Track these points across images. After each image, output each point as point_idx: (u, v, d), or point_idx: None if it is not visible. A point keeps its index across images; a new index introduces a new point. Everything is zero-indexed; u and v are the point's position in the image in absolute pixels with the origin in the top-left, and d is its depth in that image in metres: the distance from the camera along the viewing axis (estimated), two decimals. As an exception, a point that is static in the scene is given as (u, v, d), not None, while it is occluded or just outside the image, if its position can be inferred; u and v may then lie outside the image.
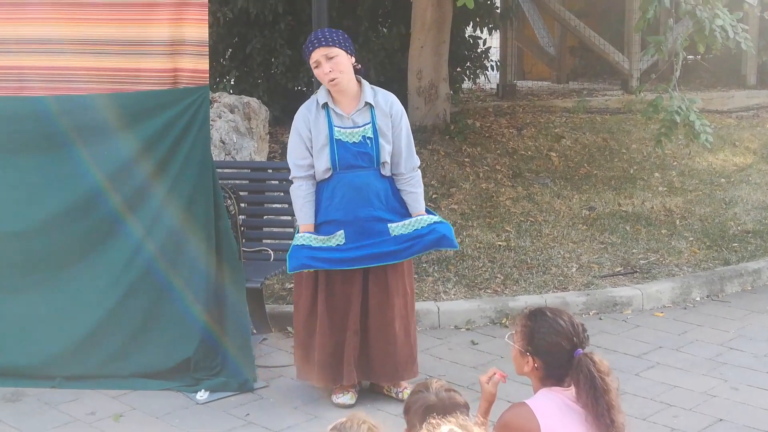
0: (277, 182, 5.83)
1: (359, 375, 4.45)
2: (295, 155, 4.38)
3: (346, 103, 4.35)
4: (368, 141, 4.32)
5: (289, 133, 8.96)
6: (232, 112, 7.18)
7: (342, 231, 4.30)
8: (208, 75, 4.56)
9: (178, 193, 4.59)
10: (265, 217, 5.79)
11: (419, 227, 4.38)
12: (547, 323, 2.96)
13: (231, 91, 8.69)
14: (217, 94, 7.44)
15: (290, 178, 4.45)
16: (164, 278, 4.64)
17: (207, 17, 4.50)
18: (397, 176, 4.43)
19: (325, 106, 4.33)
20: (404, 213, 4.43)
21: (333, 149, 4.29)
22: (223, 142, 6.84)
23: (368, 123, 4.33)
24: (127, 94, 4.56)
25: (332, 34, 4.29)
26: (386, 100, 4.40)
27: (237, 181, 5.74)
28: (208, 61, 4.55)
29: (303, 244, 4.31)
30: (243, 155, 6.93)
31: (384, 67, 8.99)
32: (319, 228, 4.35)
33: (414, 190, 4.45)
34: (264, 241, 5.61)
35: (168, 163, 4.57)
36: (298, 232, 4.39)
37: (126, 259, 4.67)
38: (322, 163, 4.31)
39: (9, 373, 4.73)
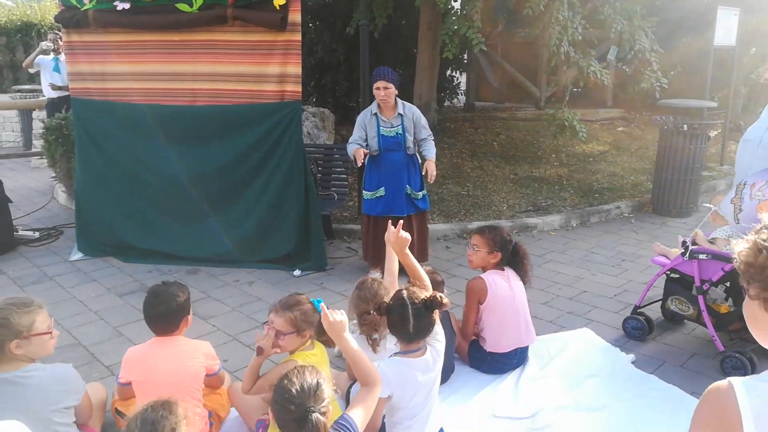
0: (338, 156, 5.80)
1: None
2: (356, 134, 4.35)
3: (388, 112, 4.31)
4: (399, 135, 4.29)
5: (346, 129, 8.77)
6: (314, 116, 7.13)
7: (383, 187, 4.34)
8: (300, 94, 4.52)
9: (285, 160, 4.57)
10: (332, 175, 5.78)
11: (419, 195, 4.42)
12: (498, 231, 3.07)
13: (313, 105, 8.62)
14: (305, 106, 7.38)
15: (348, 142, 4.38)
16: (277, 208, 4.65)
17: (300, 61, 4.45)
18: (420, 141, 4.40)
19: (375, 114, 4.29)
20: (417, 181, 4.40)
21: (379, 139, 4.27)
22: (309, 134, 6.80)
23: (399, 124, 4.30)
24: (255, 105, 4.53)
25: (389, 74, 4.20)
26: (410, 110, 4.36)
27: (316, 155, 5.72)
28: (301, 86, 4.50)
29: (367, 199, 4.37)
30: (320, 141, 6.90)
31: (400, 92, 8.76)
32: (371, 184, 4.36)
33: (427, 145, 4.36)
34: (331, 189, 5.61)
35: (279, 144, 4.55)
36: (365, 189, 4.41)
37: (255, 196, 4.68)
38: (373, 146, 4.30)
39: (193, 259, 4.82)
